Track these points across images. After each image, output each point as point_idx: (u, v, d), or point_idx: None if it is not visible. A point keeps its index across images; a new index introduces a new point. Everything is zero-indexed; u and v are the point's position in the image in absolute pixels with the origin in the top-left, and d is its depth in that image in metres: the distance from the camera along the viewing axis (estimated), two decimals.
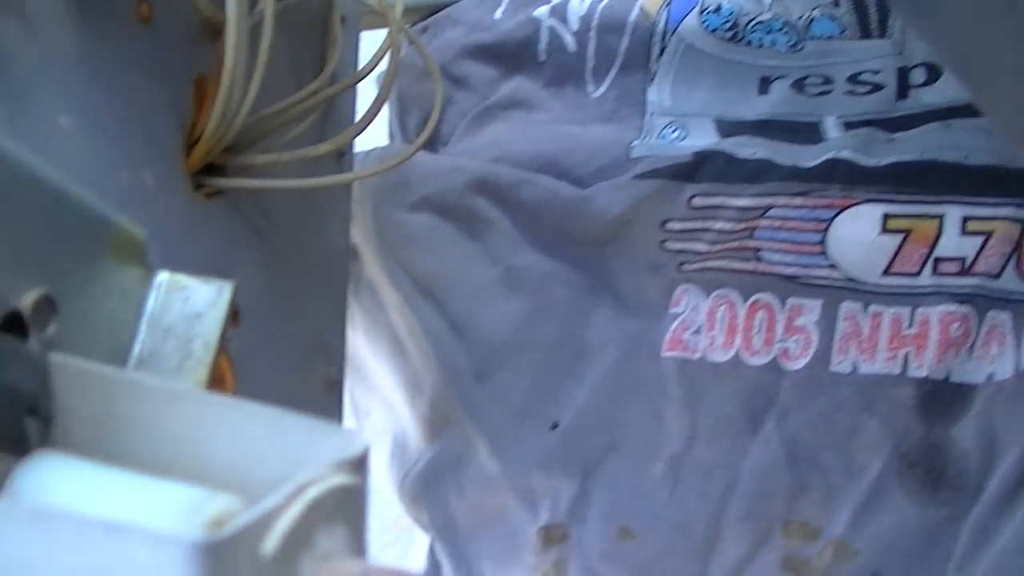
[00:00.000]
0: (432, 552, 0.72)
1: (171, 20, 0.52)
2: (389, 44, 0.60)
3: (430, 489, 0.71)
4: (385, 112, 0.81)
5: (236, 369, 0.55)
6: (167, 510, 0.19)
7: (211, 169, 0.53)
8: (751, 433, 0.66)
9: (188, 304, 0.30)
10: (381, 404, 0.78)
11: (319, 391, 0.70)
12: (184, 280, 0.31)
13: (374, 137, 0.81)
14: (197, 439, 0.22)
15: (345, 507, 0.20)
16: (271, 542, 0.17)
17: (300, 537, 0.18)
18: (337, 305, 0.71)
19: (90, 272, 0.27)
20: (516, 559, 0.70)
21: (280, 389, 0.64)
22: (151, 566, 0.17)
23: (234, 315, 0.57)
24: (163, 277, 0.30)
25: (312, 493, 0.18)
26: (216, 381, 0.36)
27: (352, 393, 0.79)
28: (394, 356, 0.75)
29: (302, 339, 0.66)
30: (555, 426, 0.68)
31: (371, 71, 0.66)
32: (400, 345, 0.74)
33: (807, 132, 0.69)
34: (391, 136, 0.80)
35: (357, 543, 0.20)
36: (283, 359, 0.63)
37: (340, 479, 0.20)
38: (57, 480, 0.21)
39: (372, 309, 0.75)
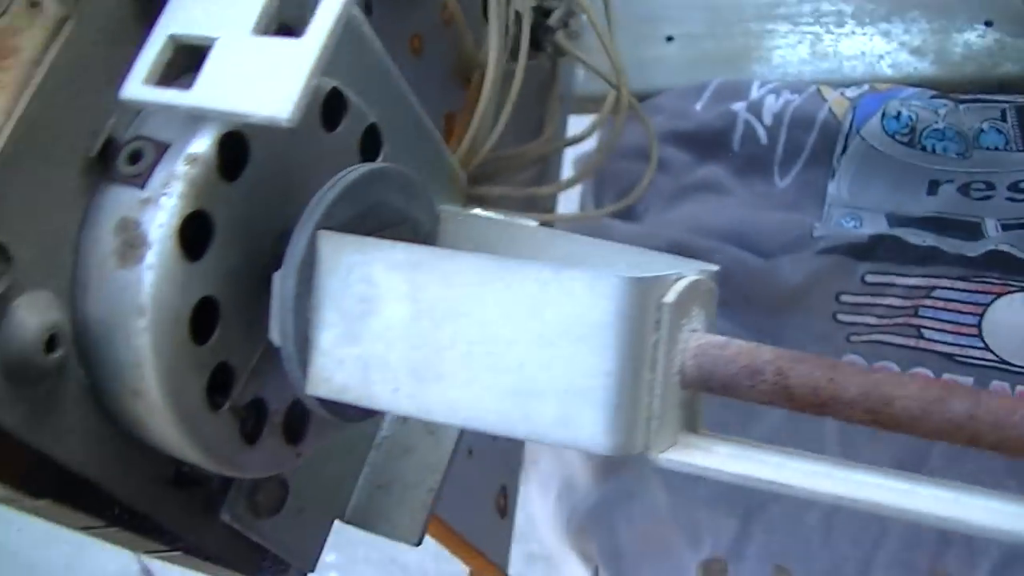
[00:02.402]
0: None
1: (437, 55, 0.74)
2: (618, 110, 0.84)
3: (600, 521, 0.90)
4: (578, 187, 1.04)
5: None
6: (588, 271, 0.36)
7: None
8: None
9: None
10: (549, 451, 0.98)
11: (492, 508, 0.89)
12: None
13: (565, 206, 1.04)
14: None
15: (707, 300, 0.38)
16: (671, 295, 0.37)
17: (684, 303, 0.36)
18: None
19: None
20: None
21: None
22: (588, 297, 0.33)
23: None
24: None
25: (692, 277, 0.38)
26: None
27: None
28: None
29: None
30: None
31: (590, 134, 0.90)
32: None
33: (970, 229, 0.89)
34: (582, 207, 1.03)
35: (712, 329, 0.39)
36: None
37: (707, 277, 0.39)
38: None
39: None
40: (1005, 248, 0.85)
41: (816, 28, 1.02)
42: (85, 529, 0.39)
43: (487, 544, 0.79)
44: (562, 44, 0.86)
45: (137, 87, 0.34)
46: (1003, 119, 0.91)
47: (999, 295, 0.84)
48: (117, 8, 0.35)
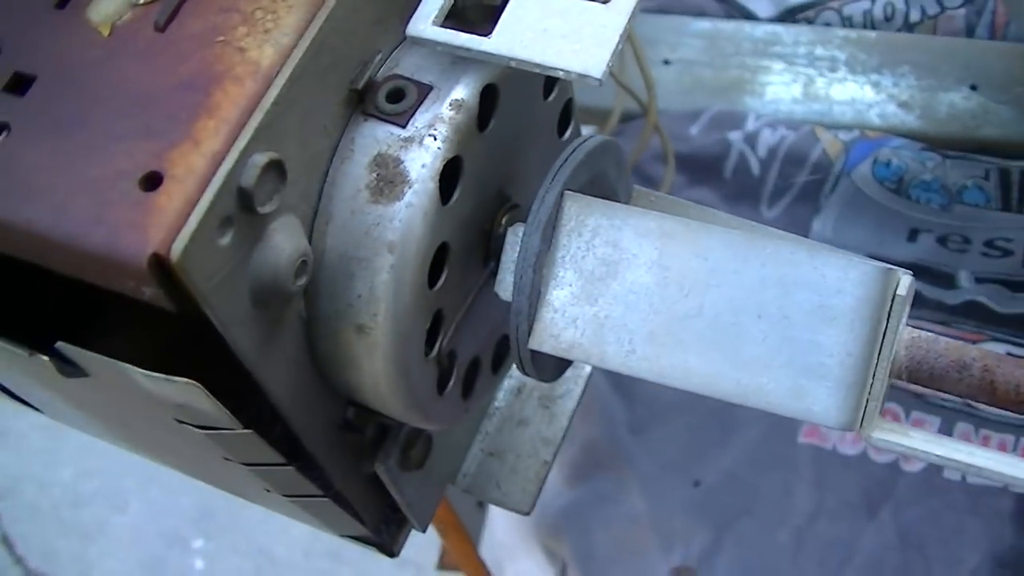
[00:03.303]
0: None
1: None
2: (648, 128, 0.86)
3: (574, 521, 0.92)
4: None
5: None
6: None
7: None
8: (869, 518, 0.88)
9: None
10: None
11: None
12: None
13: None
14: None
15: (912, 297, 0.40)
16: (902, 288, 0.37)
17: (907, 297, 0.37)
18: None
19: None
20: None
21: None
22: (839, 282, 0.34)
23: None
24: None
25: (910, 275, 0.39)
26: None
27: None
28: None
29: None
30: (697, 483, 0.91)
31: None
32: None
33: (944, 279, 0.94)
34: None
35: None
36: None
37: (913, 279, 0.40)
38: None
39: None
40: (982, 299, 0.90)
41: (810, 70, 1.06)
42: (266, 466, 0.39)
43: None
44: None
45: (427, 27, 0.34)
46: (986, 178, 0.96)
47: (974, 343, 0.88)
48: None
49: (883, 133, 1.00)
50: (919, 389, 0.89)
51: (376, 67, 0.36)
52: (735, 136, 1.00)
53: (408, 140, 0.35)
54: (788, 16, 1.11)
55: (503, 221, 0.40)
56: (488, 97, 0.37)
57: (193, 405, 0.35)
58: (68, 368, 0.35)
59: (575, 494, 0.92)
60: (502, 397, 0.52)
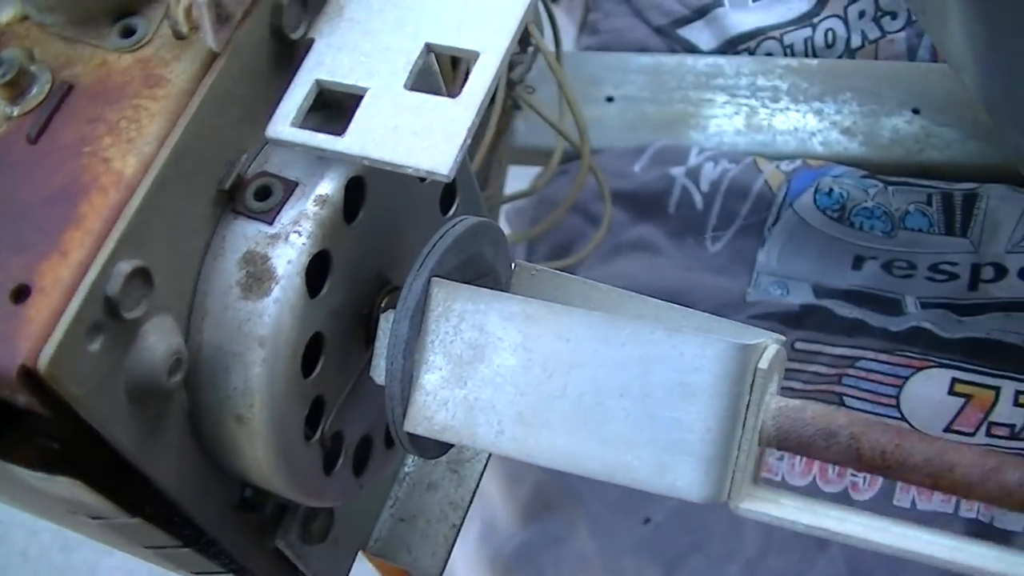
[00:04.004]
0: None
1: None
2: (584, 169, 0.88)
3: (527, 562, 0.93)
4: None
5: None
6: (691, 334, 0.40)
7: None
8: (818, 550, 0.89)
9: None
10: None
11: None
12: None
13: None
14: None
15: (783, 367, 0.42)
16: (764, 362, 0.40)
17: (771, 370, 0.40)
18: None
19: None
20: None
21: None
22: (697, 360, 0.37)
23: None
24: None
25: (777, 346, 0.42)
26: None
27: None
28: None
29: None
30: (647, 520, 0.92)
31: (543, 186, 0.94)
32: None
33: (890, 305, 0.96)
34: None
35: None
36: None
37: (783, 347, 0.43)
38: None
39: None
40: (926, 325, 0.92)
41: (752, 101, 1.08)
42: (161, 548, 0.41)
43: None
44: (522, 98, 0.89)
45: (285, 128, 0.36)
46: (928, 203, 0.98)
47: (918, 369, 0.90)
48: (259, 50, 0.38)
49: (825, 162, 1.02)
50: (861, 404, 0.91)
51: (244, 165, 0.38)
52: (677, 171, 1.02)
53: (275, 237, 0.37)
54: (730, 47, 1.13)
55: (383, 304, 0.42)
56: (355, 189, 0.38)
57: (79, 499, 0.37)
58: None
59: (526, 535, 0.94)
60: (411, 462, 0.53)
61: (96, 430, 0.35)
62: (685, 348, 0.37)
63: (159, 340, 0.35)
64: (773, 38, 1.13)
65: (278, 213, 0.37)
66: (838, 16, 1.13)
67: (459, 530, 0.52)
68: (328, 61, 0.37)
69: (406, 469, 0.53)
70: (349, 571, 0.50)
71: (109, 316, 0.34)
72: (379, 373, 0.39)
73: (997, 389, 0.89)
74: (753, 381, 0.38)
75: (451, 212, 0.46)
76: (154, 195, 0.35)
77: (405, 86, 0.36)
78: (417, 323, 0.38)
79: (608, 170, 1.04)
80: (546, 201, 1.05)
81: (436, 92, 0.36)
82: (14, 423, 0.38)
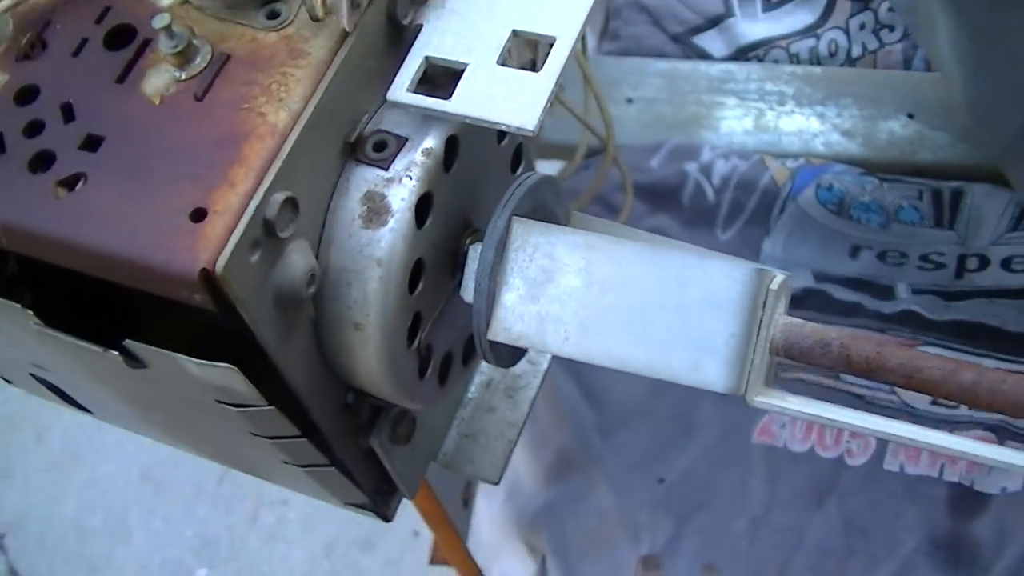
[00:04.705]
0: (543, 571, 1.04)
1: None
2: (606, 162, 0.98)
3: (550, 518, 1.03)
4: None
5: None
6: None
7: None
8: (817, 507, 1.00)
9: None
10: None
11: None
12: None
13: None
14: None
15: (788, 293, 0.52)
16: (775, 284, 0.49)
17: (779, 291, 0.50)
18: None
19: None
20: None
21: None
22: (724, 280, 0.47)
23: None
24: None
25: (784, 275, 0.52)
26: None
27: None
28: (528, 425, 1.09)
29: None
30: (661, 480, 1.02)
31: (568, 176, 1.05)
32: (535, 416, 1.09)
33: (884, 291, 1.06)
34: None
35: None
36: None
37: (788, 278, 0.53)
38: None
39: None
40: (916, 308, 1.02)
41: (760, 104, 1.19)
42: (282, 439, 0.51)
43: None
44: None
45: (403, 93, 0.47)
46: (920, 199, 1.09)
47: (909, 347, 1.00)
48: (379, 32, 0.48)
49: (826, 160, 1.13)
50: (862, 391, 1.01)
51: (364, 124, 0.48)
52: (691, 167, 1.13)
53: (390, 180, 0.47)
54: (740, 55, 1.24)
55: (467, 242, 0.52)
56: (452, 145, 0.49)
57: (231, 387, 0.47)
58: (132, 362, 0.47)
59: (550, 494, 1.04)
60: (474, 389, 0.64)
61: (250, 328, 0.45)
62: (713, 270, 0.47)
63: (300, 258, 0.46)
64: (780, 47, 1.24)
65: (392, 161, 0.47)
66: (840, 28, 1.24)
67: (514, 445, 0.62)
68: (435, 42, 0.48)
69: (469, 395, 0.63)
70: (422, 476, 0.61)
71: (266, 235, 0.44)
72: (468, 293, 0.49)
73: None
74: (766, 300, 0.48)
75: (519, 171, 0.56)
76: (300, 142, 0.45)
77: (497, 62, 0.47)
78: (500, 252, 0.49)
79: (627, 165, 1.15)
80: (571, 192, 1.15)
81: (522, 67, 0.47)
82: (177, 328, 0.48)
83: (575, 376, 1.06)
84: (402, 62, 0.48)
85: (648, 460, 1.03)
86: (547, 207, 0.52)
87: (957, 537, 0.97)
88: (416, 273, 0.49)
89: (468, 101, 0.46)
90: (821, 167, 1.12)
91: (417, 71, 0.47)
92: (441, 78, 0.48)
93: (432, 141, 0.48)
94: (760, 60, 1.24)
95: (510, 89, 0.46)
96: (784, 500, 1.00)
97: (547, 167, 1.16)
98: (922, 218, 1.09)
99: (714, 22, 1.27)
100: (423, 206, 0.48)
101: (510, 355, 0.52)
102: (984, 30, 0.84)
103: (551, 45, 0.46)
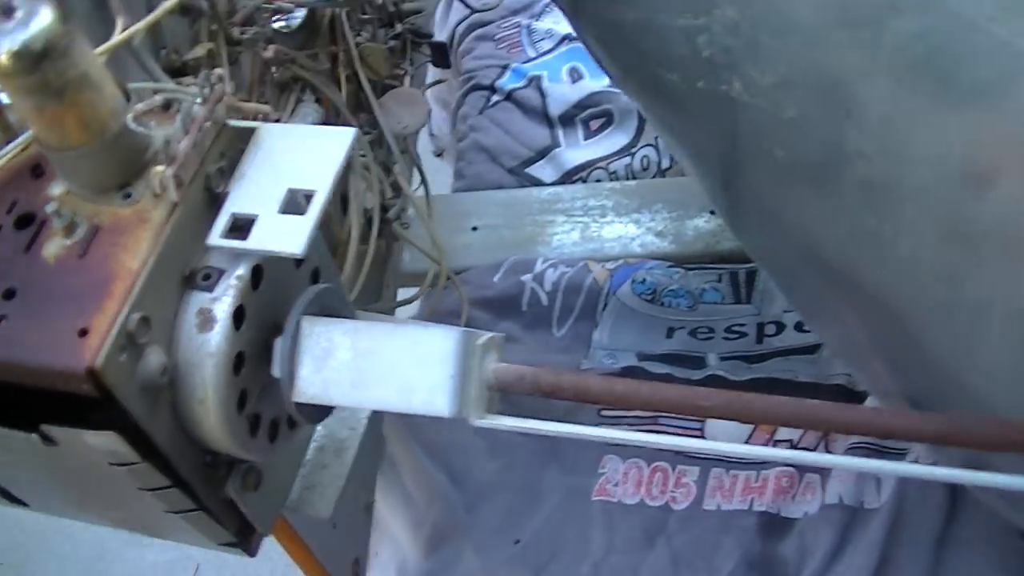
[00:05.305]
0: None
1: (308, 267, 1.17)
2: (440, 284, 1.26)
3: None
4: None
5: None
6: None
7: None
8: (649, 548, 1.25)
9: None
10: (388, 543, 1.36)
11: (362, 511, 1.30)
12: None
13: None
14: None
15: (500, 347, 0.76)
16: (481, 340, 0.75)
17: (487, 344, 0.74)
18: (373, 460, 1.33)
19: None
20: None
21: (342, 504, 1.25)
22: (442, 341, 0.74)
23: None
24: None
25: (490, 334, 0.77)
26: None
27: (371, 540, 1.39)
28: (405, 506, 1.34)
29: (354, 474, 1.28)
30: (517, 541, 1.27)
31: (416, 298, 1.32)
32: (410, 497, 1.34)
33: (696, 362, 1.34)
34: None
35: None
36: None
37: (499, 337, 0.78)
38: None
39: (392, 479, 1.37)
40: (720, 373, 1.30)
41: (585, 219, 1.48)
42: (158, 489, 0.77)
43: None
44: (397, 232, 1.28)
45: (217, 239, 0.73)
46: (719, 281, 1.37)
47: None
48: (200, 198, 0.75)
49: (642, 258, 1.41)
50: (684, 446, 1.28)
51: (195, 262, 0.75)
52: (526, 278, 1.41)
53: (214, 299, 0.73)
54: (567, 178, 1.54)
55: (277, 336, 0.79)
56: (257, 272, 0.76)
57: (117, 450, 0.72)
58: (47, 442, 0.73)
59: (429, 564, 1.29)
60: (311, 452, 0.90)
61: (124, 407, 0.71)
62: (436, 335, 0.74)
63: (156, 357, 0.72)
64: (601, 167, 1.54)
65: (215, 286, 0.74)
66: (651, 145, 1.54)
67: (342, 490, 0.88)
68: (238, 202, 0.75)
69: (307, 457, 0.90)
70: (277, 515, 0.86)
71: (129, 343, 0.70)
72: (276, 371, 0.76)
73: None
74: (476, 351, 0.75)
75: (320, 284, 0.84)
76: (149, 279, 0.71)
77: (279, 212, 0.74)
78: (295, 341, 0.75)
79: (475, 283, 1.43)
80: (433, 311, 1.43)
81: (296, 213, 0.74)
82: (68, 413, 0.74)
83: (442, 463, 1.32)
84: (216, 217, 0.75)
85: (506, 526, 1.28)
86: (333, 308, 0.79)
87: (767, 558, 1.22)
88: (239, 361, 0.75)
89: (259, 239, 0.73)
90: (636, 265, 1.41)
91: (227, 223, 0.74)
92: (244, 225, 0.75)
93: (242, 270, 0.74)
94: (584, 181, 1.54)
95: (286, 228, 0.73)
96: (620, 545, 1.26)
97: (404, 292, 1.44)
98: (723, 297, 1.37)
99: (543, 153, 1.57)
100: (239, 315, 0.74)
101: (314, 413, 0.78)
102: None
103: (313, 195, 0.74)
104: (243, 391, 0.73)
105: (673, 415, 1.28)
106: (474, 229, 1.50)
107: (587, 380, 0.72)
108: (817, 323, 1.09)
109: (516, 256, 1.46)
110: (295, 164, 0.75)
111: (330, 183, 0.74)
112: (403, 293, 1.47)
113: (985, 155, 0.71)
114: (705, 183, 0.98)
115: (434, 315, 1.42)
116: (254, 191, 0.74)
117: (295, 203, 0.75)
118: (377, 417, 1.31)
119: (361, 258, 1.19)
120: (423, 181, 1.37)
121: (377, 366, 0.71)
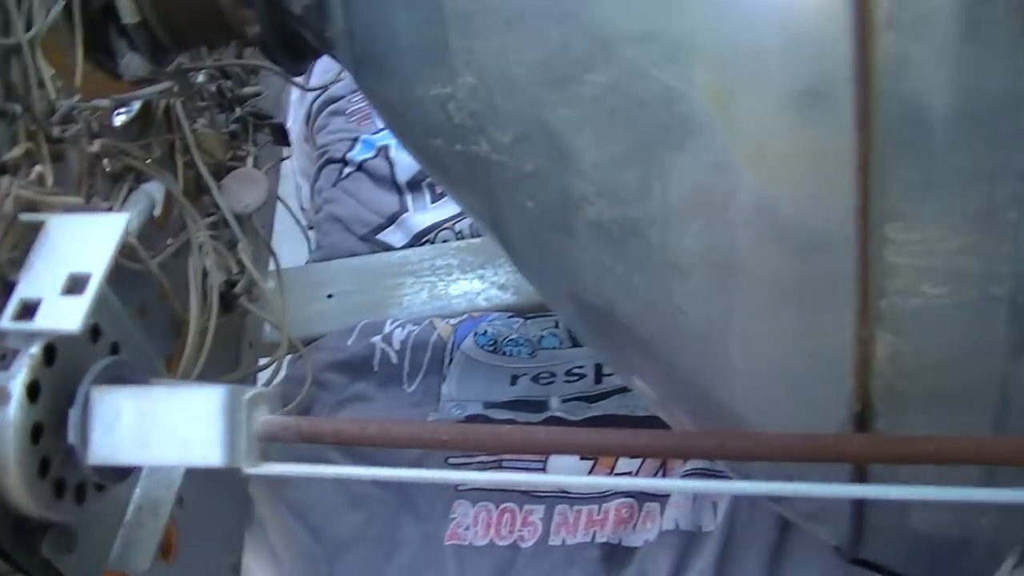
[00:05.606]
0: None
1: (158, 317, 1.28)
2: (283, 353, 1.37)
3: None
4: None
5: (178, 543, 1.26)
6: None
7: None
8: None
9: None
10: None
11: (228, 572, 1.40)
12: None
13: None
14: None
15: (273, 401, 0.85)
16: (248, 395, 0.85)
17: (254, 399, 0.84)
18: (239, 521, 1.44)
19: None
20: None
21: (208, 566, 1.35)
22: (213, 397, 0.84)
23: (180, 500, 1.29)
24: None
25: (259, 390, 0.87)
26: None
27: None
28: (272, 564, 1.45)
29: (219, 536, 1.37)
30: None
31: (268, 367, 1.43)
32: (276, 555, 1.45)
33: (539, 406, 1.45)
34: None
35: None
36: (208, 546, 1.35)
37: (272, 393, 0.89)
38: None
39: (259, 538, 1.47)
40: (560, 414, 1.41)
41: (432, 278, 1.59)
42: None
43: None
44: (246, 306, 1.39)
45: (6, 322, 0.84)
46: (556, 327, 1.49)
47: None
48: None
49: (484, 312, 1.53)
50: (525, 487, 1.38)
51: None
52: (376, 339, 1.52)
53: (9, 376, 0.84)
54: (416, 241, 1.66)
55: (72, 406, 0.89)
56: (50, 349, 0.86)
57: None
58: None
59: None
60: (129, 514, 1.00)
61: None
62: (205, 394, 0.84)
63: None
64: (447, 228, 1.66)
65: (10, 365, 0.85)
66: None
67: (158, 544, 0.98)
68: (26, 288, 0.86)
69: (127, 518, 1.00)
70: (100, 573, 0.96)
71: None
72: (72, 437, 0.87)
73: None
74: (244, 406, 0.85)
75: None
76: None
77: (60, 294, 0.85)
78: (86, 409, 0.86)
79: (329, 348, 1.54)
80: (291, 378, 1.54)
81: (77, 294, 0.85)
82: None
83: (305, 520, 1.42)
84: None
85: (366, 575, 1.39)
86: (126, 377, 0.90)
87: None
88: (37, 432, 0.86)
89: (43, 320, 0.84)
90: (479, 318, 1.53)
91: (16, 308, 0.85)
92: (32, 308, 0.86)
93: (34, 349, 0.85)
94: (432, 242, 1.66)
95: (66, 309, 0.84)
96: None
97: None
98: (560, 342, 1.49)
99: (392, 219, 1.70)
100: (33, 390, 0.85)
101: (113, 475, 0.88)
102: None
103: (89, 278, 0.85)
104: (44, 458, 0.82)
105: (516, 456, 1.39)
106: (329, 296, 1.61)
107: (342, 425, 0.83)
108: (614, 368, 1.21)
109: (367, 319, 1.57)
110: (76, 250, 0.86)
111: (104, 265, 0.84)
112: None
113: (675, 195, 0.82)
114: (492, 237, 1.10)
115: (290, 380, 1.52)
116: (40, 277, 0.84)
117: (76, 285, 0.86)
118: (239, 480, 1.41)
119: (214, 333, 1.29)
120: (272, 255, 1.48)
121: (158, 426, 0.82)
